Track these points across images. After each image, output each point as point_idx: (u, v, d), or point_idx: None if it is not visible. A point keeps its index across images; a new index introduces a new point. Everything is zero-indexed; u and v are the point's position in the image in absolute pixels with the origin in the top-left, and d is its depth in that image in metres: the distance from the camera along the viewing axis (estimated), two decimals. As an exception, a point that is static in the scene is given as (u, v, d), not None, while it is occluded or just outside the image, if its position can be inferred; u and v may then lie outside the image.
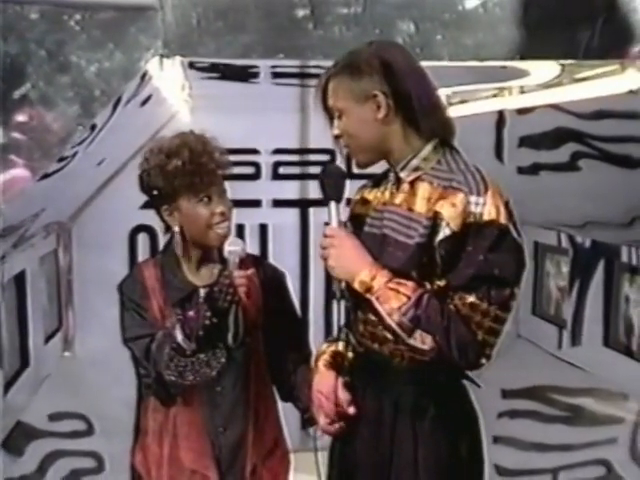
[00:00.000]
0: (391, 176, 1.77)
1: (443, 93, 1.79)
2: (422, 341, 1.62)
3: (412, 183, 1.70)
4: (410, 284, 1.63)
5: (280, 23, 2.11)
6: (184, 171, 1.99)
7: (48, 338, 3.58)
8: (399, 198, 1.72)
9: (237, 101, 3.36)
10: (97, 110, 2.13)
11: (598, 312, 3.56)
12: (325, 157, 3.96)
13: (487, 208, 1.60)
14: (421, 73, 1.72)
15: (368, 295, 1.66)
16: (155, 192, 2.04)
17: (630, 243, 3.28)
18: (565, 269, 3.83)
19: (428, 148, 1.70)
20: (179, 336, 1.94)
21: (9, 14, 2.04)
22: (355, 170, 1.83)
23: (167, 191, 2.02)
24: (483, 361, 1.64)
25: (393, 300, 1.63)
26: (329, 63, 2.24)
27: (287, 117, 3.81)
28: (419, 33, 2.15)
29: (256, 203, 3.90)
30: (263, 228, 3.96)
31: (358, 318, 1.77)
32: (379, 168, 1.82)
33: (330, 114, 1.77)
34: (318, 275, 4.03)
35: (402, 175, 1.72)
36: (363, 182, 1.90)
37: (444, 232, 1.61)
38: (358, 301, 1.73)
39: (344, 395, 1.78)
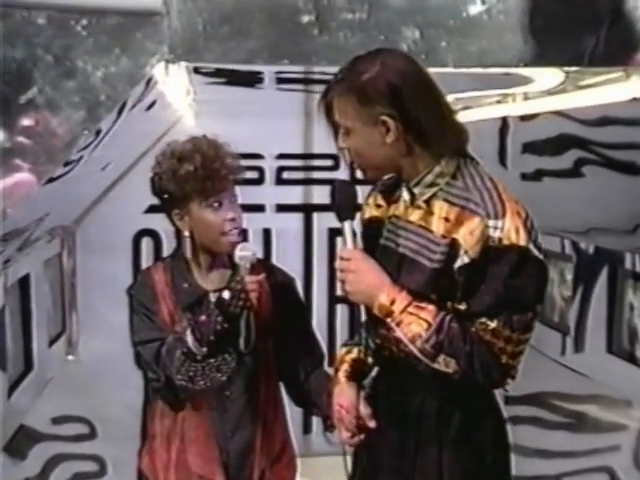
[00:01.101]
0: (404, 189, 1.72)
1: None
2: (446, 365, 1.60)
3: (427, 201, 1.66)
4: (431, 308, 1.61)
5: (285, 28, 2.11)
6: (196, 176, 1.99)
7: (52, 342, 3.59)
8: (415, 215, 1.68)
9: (241, 106, 3.37)
10: (103, 115, 2.14)
11: (602, 319, 3.55)
12: (329, 162, 3.97)
13: (506, 232, 1.56)
14: (429, 88, 1.67)
15: (388, 320, 1.63)
16: (166, 196, 2.05)
17: (634, 250, 3.28)
18: (569, 275, 3.82)
19: (442, 163, 1.66)
20: (190, 341, 1.94)
21: (16, 19, 2.05)
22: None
23: (178, 195, 2.02)
24: (508, 381, 1.63)
25: (414, 325, 1.60)
26: (334, 69, 2.23)
27: (291, 122, 3.82)
28: (424, 39, 2.15)
29: (260, 208, 3.91)
30: (267, 233, 3.97)
31: (380, 322, 1.72)
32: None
33: (335, 127, 1.73)
34: (321, 279, 4.04)
35: (416, 191, 1.68)
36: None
37: (462, 260, 1.58)
38: None
39: (366, 410, 1.76)
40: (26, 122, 2.14)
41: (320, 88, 3.04)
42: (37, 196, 2.32)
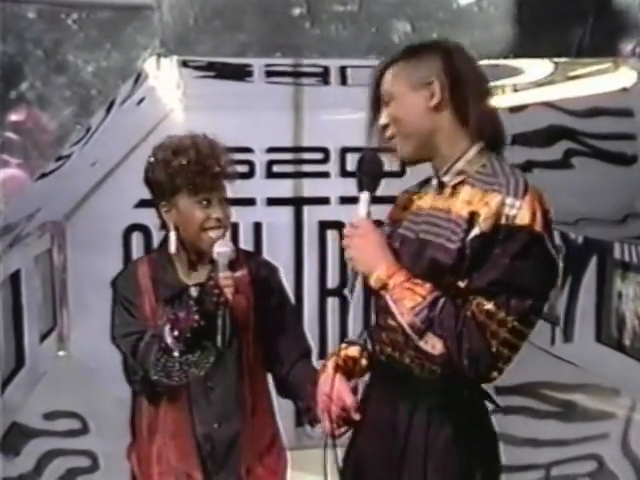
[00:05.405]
0: (434, 181, 1.71)
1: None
2: (433, 345, 1.56)
3: (455, 187, 1.65)
4: (427, 285, 1.58)
5: (277, 21, 2.11)
6: (188, 170, 1.99)
7: (43, 337, 3.57)
8: (440, 202, 1.67)
9: (231, 100, 3.36)
10: (94, 110, 2.13)
11: (590, 308, 3.58)
12: (319, 155, 3.97)
13: (522, 212, 1.53)
14: (480, 71, 1.69)
15: (382, 292, 1.62)
16: (156, 186, 2.04)
17: (622, 240, 3.30)
18: (558, 266, 3.84)
19: (474, 150, 1.65)
20: (168, 336, 1.94)
21: (6, 13, 2.04)
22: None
23: (168, 187, 2.02)
24: (494, 375, 1.58)
25: (408, 299, 1.58)
26: (325, 61, 2.25)
27: (281, 115, 3.81)
28: (415, 32, 2.16)
29: (250, 202, 3.90)
30: (257, 227, 3.96)
31: (380, 325, 1.72)
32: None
33: (378, 104, 1.72)
34: (312, 273, 4.04)
35: (445, 179, 1.67)
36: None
37: (474, 231, 1.56)
38: (380, 306, 1.69)
39: (351, 400, 1.75)
40: (14, 117, 2.13)
41: (309, 81, 3.05)
42: (29, 192, 2.31)
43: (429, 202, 1.71)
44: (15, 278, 3.18)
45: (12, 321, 3.17)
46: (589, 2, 2.30)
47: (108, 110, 2.32)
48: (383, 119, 1.70)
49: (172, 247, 2.07)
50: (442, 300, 1.56)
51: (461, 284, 1.58)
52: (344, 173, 3.98)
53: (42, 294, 3.59)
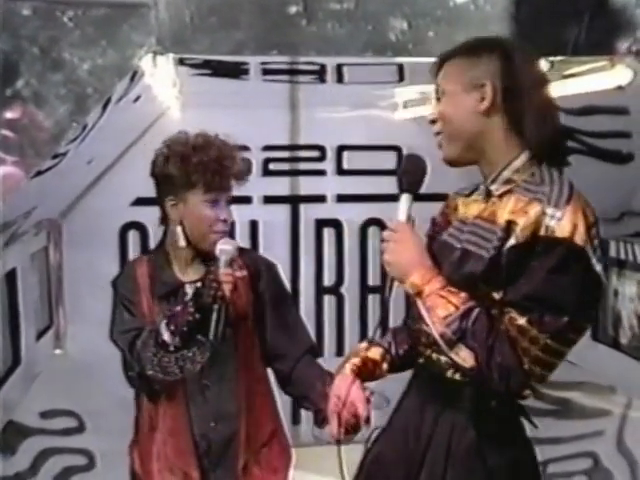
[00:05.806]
0: (481, 188, 1.67)
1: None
2: (464, 359, 1.51)
3: (501, 196, 1.59)
4: (462, 294, 1.52)
5: (273, 19, 2.11)
6: (207, 168, 1.99)
7: (39, 335, 3.57)
8: (486, 212, 1.61)
9: (227, 98, 3.36)
10: (90, 108, 2.13)
11: (587, 306, 3.57)
12: (315, 153, 3.98)
13: (562, 223, 1.46)
14: (540, 77, 1.63)
15: (417, 298, 1.57)
16: (166, 179, 2.03)
17: (618, 238, 3.31)
18: (554, 264, 3.84)
19: (521, 159, 1.59)
20: (164, 331, 1.95)
21: (2, 10, 2.03)
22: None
23: (181, 182, 2.01)
24: (527, 393, 1.54)
25: (440, 308, 1.52)
26: (321, 59, 2.25)
27: (277, 113, 3.81)
28: (411, 29, 2.16)
29: (246, 200, 3.90)
30: (253, 225, 3.96)
31: (422, 329, 1.66)
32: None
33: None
34: (309, 271, 4.04)
35: (492, 188, 1.61)
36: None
37: (511, 241, 1.49)
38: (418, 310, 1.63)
39: (364, 409, 1.69)
40: (10, 115, 2.13)
41: (305, 79, 3.05)
42: (25, 189, 2.31)
43: (475, 210, 1.65)
44: (11, 276, 3.17)
45: (8, 319, 3.16)
46: (585, 0, 2.31)
47: (104, 108, 2.32)
48: (432, 114, 1.65)
49: (181, 240, 2.06)
50: (476, 311, 1.51)
51: (496, 296, 1.53)
52: (340, 171, 3.98)
53: (38, 292, 3.59)
